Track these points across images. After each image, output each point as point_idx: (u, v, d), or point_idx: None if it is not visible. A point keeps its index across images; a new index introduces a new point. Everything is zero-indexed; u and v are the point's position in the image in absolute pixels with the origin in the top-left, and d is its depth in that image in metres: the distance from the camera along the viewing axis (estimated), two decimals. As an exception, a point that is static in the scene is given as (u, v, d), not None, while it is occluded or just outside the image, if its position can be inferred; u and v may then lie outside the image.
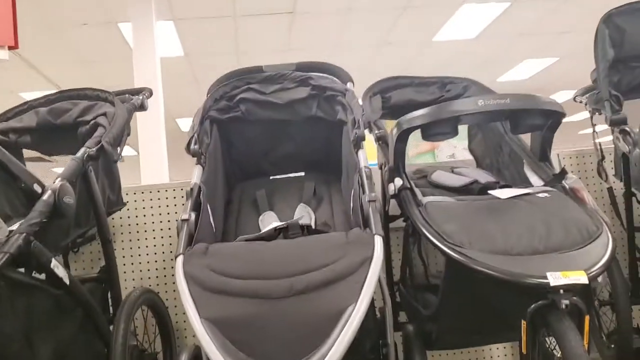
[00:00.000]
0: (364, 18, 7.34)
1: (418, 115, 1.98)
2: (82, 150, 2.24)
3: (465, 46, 8.56)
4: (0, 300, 1.82)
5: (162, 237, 2.81)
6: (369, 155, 2.22)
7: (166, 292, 2.75)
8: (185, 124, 11.90)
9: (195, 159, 2.19)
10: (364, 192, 1.93)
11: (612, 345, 2.62)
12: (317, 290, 1.62)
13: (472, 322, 2.00)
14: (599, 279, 1.97)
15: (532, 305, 1.68)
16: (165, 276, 2.78)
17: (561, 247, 1.75)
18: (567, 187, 2.07)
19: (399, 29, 7.76)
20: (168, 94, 7.32)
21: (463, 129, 2.85)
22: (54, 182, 2.05)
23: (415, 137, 2.20)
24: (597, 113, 2.79)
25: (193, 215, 1.93)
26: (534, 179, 2.23)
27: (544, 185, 2.14)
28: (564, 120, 2.14)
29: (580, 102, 3.01)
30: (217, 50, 8.01)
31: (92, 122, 2.46)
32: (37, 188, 2.00)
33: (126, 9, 6.46)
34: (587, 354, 1.58)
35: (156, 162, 6.45)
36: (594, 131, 2.93)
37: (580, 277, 1.62)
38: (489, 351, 2.88)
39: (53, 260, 1.97)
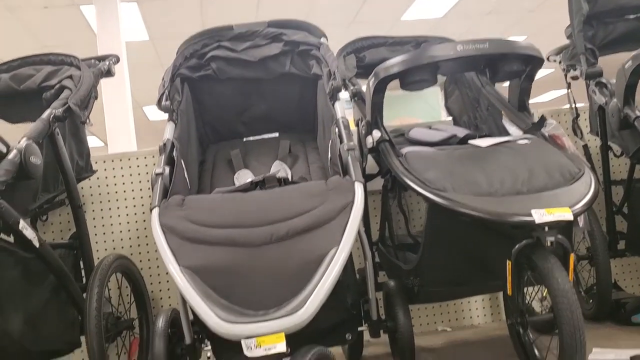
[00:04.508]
0: (332, -3, 7.28)
1: (396, 62, 1.94)
2: (48, 111, 2.14)
3: (433, 25, 8.56)
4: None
5: (134, 206, 2.73)
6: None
7: (140, 261, 2.67)
8: (153, 112, 11.66)
9: (167, 115, 2.12)
10: (341, 142, 1.88)
11: (591, 301, 2.63)
12: (298, 236, 1.58)
13: (455, 272, 1.98)
14: (580, 222, 1.97)
15: (517, 245, 1.66)
16: (139, 245, 2.71)
17: (544, 189, 1.73)
18: (546, 134, 2.06)
19: (367, 8, 7.71)
20: (133, 81, 7.14)
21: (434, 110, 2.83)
22: (19, 142, 1.96)
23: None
24: (571, 69, 2.79)
25: (167, 169, 1.87)
26: (513, 129, 2.22)
27: (524, 134, 2.12)
28: (532, 101, 2.16)
29: (554, 60, 3.00)
30: (183, 33, 7.84)
31: (58, 85, 2.36)
32: (2, 147, 1.91)
33: (89, -11, 6.28)
34: (573, 289, 1.56)
35: (126, 153, 6.32)
36: (568, 88, 2.93)
37: (565, 214, 1.60)
38: (468, 304, 2.87)
39: (21, 221, 1.89)
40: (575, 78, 2.84)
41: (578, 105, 2.95)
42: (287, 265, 1.53)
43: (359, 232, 1.96)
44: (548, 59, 3.09)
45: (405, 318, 2.06)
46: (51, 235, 2.66)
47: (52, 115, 2.12)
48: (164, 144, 1.97)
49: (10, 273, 2.05)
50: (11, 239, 1.93)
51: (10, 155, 1.89)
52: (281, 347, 1.39)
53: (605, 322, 2.54)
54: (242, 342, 1.40)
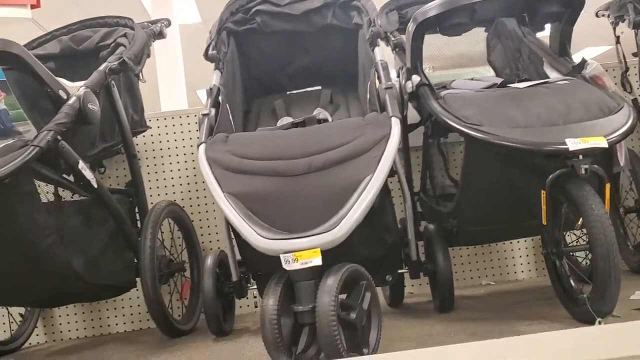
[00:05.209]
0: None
1: (434, 5, 1.97)
2: (104, 64, 2.29)
3: None
4: (32, 195, 1.89)
5: (185, 162, 2.85)
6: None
7: (192, 213, 2.79)
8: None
9: (214, 64, 2.23)
10: (380, 82, 1.94)
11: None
12: (335, 166, 1.66)
13: (492, 210, 2.00)
14: (621, 161, 1.97)
15: (551, 175, 1.68)
16: (190, 198, 2.83)
17: (581, 121, 1.74)
18: (587, 76, 2.06)
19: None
20: (186, 64, 7.28)
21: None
22: (78, 90, 2.11)
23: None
24: (620, 21, 2.75)
25: (213, 111, 1.98)
26: (554, 74, 2.22)
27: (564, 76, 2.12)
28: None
29: (603, 15, 2.96)
30: (237, 14, 7.95)
31: (113, 44, 2.51)
32: (63, 94, 2.06)
33: (143, -29, 6.47)
34: (607, 215, 1.58)
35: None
36: (617, 42, 2.89)
37: (599, 142, 1.62)
38: (512, 260, 2.88)
39: (80, 162, 2.03)
40: (637, 54, 2.78)
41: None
42: (324, 191, 1.61)
43: (398, 173, 2.02)
44: (597, 14, 3.05)
45: (445, 259, 2.11)
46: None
47: (108, 68, 2.27)
48: (211, 89, 2.07)
49: (73, 220, 2.22)
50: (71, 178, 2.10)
51: (70, 101, 2.04)
52: (317, 261, 1.47)
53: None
54: (281, 256, 1.49)
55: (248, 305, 2.80)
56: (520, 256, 2.90)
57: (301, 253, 1.48)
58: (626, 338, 1.29)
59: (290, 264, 1.48)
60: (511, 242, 2.89)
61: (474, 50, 2.80)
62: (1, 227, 1.87)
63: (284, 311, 1.50)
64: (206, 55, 2.23)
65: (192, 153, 2.86)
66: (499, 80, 2.39)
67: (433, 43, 2.64)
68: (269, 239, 1.52)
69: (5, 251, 1.92)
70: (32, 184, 1.89)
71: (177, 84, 7.25)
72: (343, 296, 1.55)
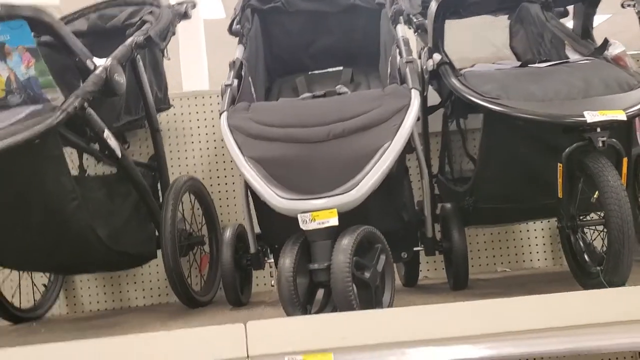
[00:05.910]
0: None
1: (455, -17, 2.00)
2: (130, 38, 2.35)
3: None
4: (60, 159, 1.94)
5: (207, 141, 2.90)
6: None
7: (212, 192, 2.83)
8: (230, 92, 11.95)
9: (238, 39, 2.28)
10: (401, 57, 1.97)
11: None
12: (354, 134, 1.69)
13: (508, 187, 2.02)
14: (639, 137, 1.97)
15: (568, 148, 1.69)
16: (210, 178, 2.88)
17: (600, 96, 1.76)
18: (609, 57, 2.06)
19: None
20: (210, 60, 7.35)
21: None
22: (105, 62, 2.16)
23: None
24: (646, 9, 2.74)
25: (235, 82, 2.02)
26: (576, 57, 2.22)
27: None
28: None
29: (629, 5, 2.94)
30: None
31: (139, 21, 2.57)
32: (90, 64, 2.11)
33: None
34: (623, 187, 1.58)
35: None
36: (642, 31, 2.87)
37: (618, 115, 1.63)
38: (529, 247, 2.88)
39: (106, 130, 2.09)
40: None
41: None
42: (342, 157, 1.65)
43: (416, 149, 2.05)
44: (623, 5, 3.03)
45: (461, 238, 2.12)
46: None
47: (134, 42, 2.32)
48: (234, 62, 2.12)
49: (97, 193, 2.28)
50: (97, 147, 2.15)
51: (97, 71, 2.09)
52: (334, 221, 1.51)
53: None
54: (299, 216, 1.53)
55: (265, 284, 2.84)
56: (537, 244, 2.89)
57: (318, 213, 1.51)
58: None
59: (308, 224, 1.51)
60: (528, 230, 2.89)
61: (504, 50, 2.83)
62: (29, 189, 1.93)
63: (300, 271, 1.54)
64: (230, 30, 2.28)
65: (214, 133, 2.91)
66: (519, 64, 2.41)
67: (462, 49, 2.68)
68: (287, 199, 1.56)
69: (32, 214, 1.98)
70: (59, 148, 1.94)
71: (200, 79, 7.34)
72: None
